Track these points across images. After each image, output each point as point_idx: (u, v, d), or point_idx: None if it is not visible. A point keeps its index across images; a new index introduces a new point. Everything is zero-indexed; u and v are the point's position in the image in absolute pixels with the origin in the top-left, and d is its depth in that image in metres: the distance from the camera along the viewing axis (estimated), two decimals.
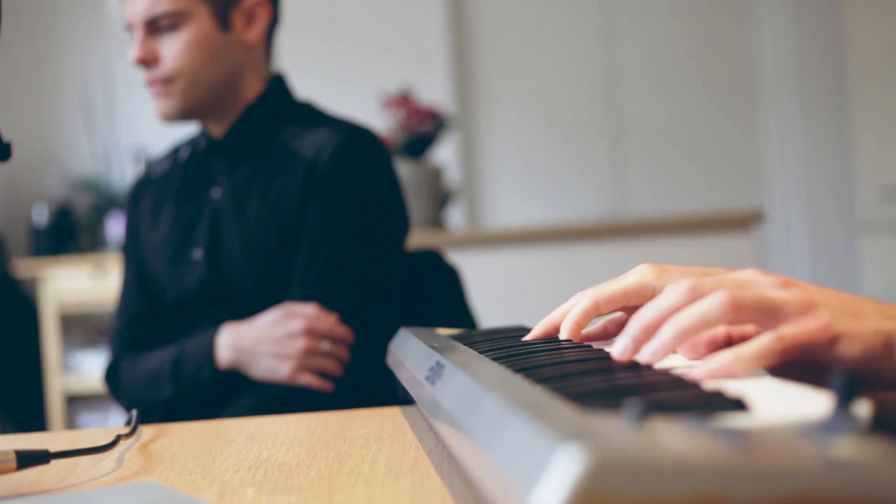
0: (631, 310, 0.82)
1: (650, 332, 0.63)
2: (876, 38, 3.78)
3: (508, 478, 0.39)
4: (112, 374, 1.60)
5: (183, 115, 1.54)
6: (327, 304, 1.44)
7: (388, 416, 0.92)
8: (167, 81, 1.51)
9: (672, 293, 0.63)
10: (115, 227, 4.07)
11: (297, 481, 0.68)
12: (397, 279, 1.57)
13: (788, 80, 4.51)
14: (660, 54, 4.63)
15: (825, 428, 0.41)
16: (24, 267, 3.97)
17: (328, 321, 1.43)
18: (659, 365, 0.63)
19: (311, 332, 1.41)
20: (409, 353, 0.85)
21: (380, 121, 3.23)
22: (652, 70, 4.64)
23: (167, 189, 1.64)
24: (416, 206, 3.26)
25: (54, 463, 0.78)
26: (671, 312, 0.62)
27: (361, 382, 1.47)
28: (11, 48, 4.60)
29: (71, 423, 3.96)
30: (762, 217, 3.13)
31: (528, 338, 0.81)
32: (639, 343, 0.63)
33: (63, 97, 4.66)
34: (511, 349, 0.73)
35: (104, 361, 1.64)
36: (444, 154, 4.14)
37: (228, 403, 1.44)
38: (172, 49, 1.49)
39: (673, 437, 0.38)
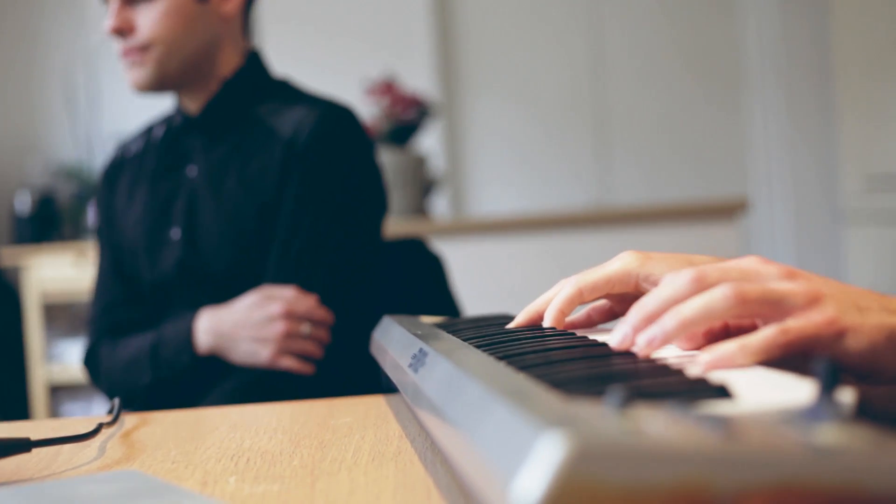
0: (615, 297, 0.82)
1: (651, 321, 0.62)
2: (861, 27, 3.78)
3: (491, 465, 0.39)
4: (91, 360, 1.58)
5: (157, 85, 1.51)
6: (306, 283, 1.44)
7: (372, 405, 0.92)
8: (142, 50, 1.48)
9: (675, 283, 0.62)
10: None
11: (280, 470, 0.68)
12: (376, 258, 1.56)
13: (773, 69, 4.52)
14: (645, 43, 4.63)
15: (809, 415, 0.41)
16: (6, 255, 3.95)
17: (307, 303, 1.42)
18: (656, 354, 0.62)
19: (290, 315, 1.40)
20: (392, 340, 0.85)
21: (364, 108, 3.22)
22: (637, 58, 4.64)
23: (142, 169, 1.61)
24: (399, 194, 3.25)
25: (36, 451, 0.77)
26: (674, 303, 0.61)
27: (342, 364, 1.46)
28: None
29: (54, 413, 3.94)
30: (746, 206, 3.13)
31: (511, 325, 0.80)
32: (639, 332, 0.62)
33: (45, 84, 4.63)
34: (494, 337, 0.73)
35: (83, 347, 1.63)
36: (429, 142, 4.13)
37: (208, 388, 1.43)
38: (148, 18, 1.47)
39: (656, 423, 0.38)
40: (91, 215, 4.14)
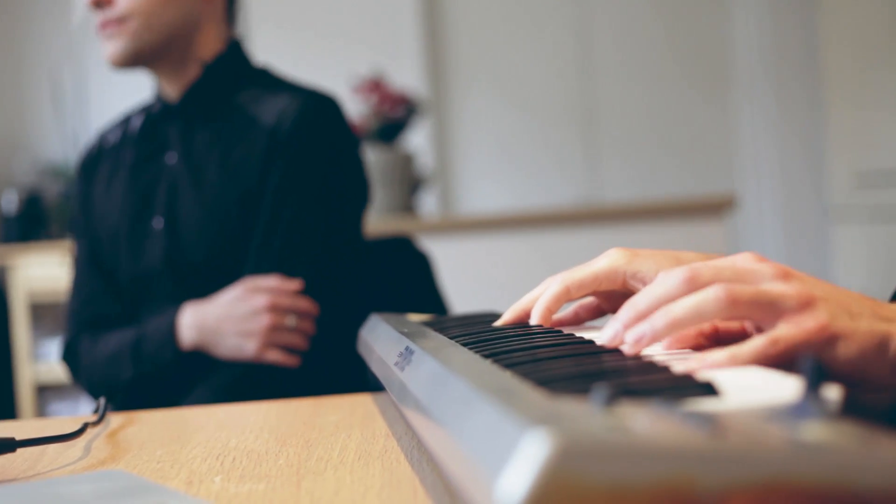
0: (602, 295, 0.82)
1: (642, 319, 0.61)
2: (850, 24, 3.79)
3: (476, 463, 0.39)
4: (70, 355, 1.56)
5: (133, 58, 1.50)
6: (289, 273, 1.43)
7: (359, 404, 0.92)
8: (120, 21, 1.47)
9: (667, 282, 0.61)
10: None
11: (266, 469, 0.67)
12: (359, 247, 1.55)
13: (762, 66, 4.52)
14: (633, 39, 4.63)
15: (795, 412, 0.41)
16: None
17: (291, 294, 1.42)
18: (645, 352, 0.62)
19: (275, 308, 1.40)
20: (379, 338, 0.85)
21: (352, 106, 3.22)
22: (625, 55, 4.64)
23: (120, 159, 1.59)
24: (387, 192, 3.25)
25: (21, 451, 0.77)
26: (665, 302, 0.61)
27: (329, 362, 1.46)
28: None
29: (41, 413, 3.92)
30: (734, 203, 3.14)
31: (498, 323, 0.80)
32: (629, 330, 0.62)
33: (32, 83, 4.61)
34: (481, 335, 0.73)
35: (61, 341, 1.59)
36: (417, 140, 4.13)
37: (190, 384, 1.42)
38: None
39: (641, 421, 0.38)
40: None
